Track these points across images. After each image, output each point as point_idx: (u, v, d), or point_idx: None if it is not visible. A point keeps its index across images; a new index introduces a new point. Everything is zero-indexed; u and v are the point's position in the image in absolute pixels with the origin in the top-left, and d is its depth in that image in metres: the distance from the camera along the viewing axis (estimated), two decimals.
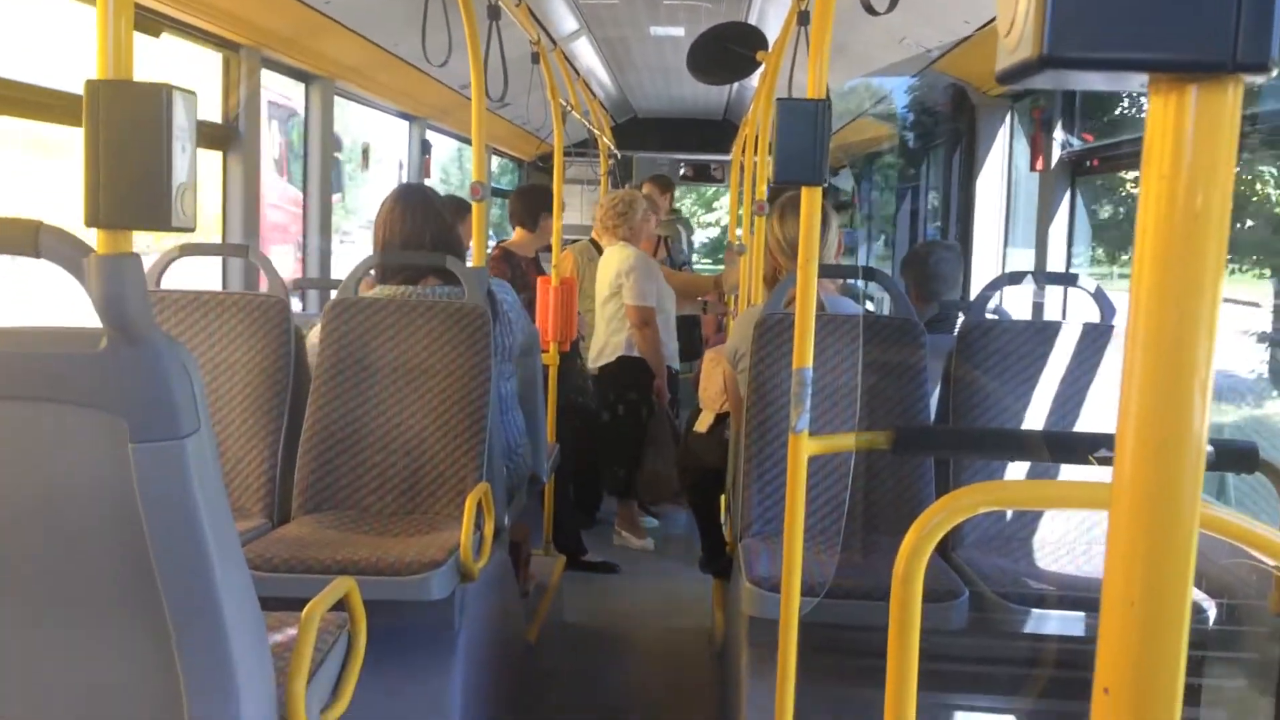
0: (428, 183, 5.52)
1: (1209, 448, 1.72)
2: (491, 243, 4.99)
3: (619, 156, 8.54)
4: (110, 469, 1.31)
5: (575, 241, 5.77)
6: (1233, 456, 2.05)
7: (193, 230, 1.23)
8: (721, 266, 8.35)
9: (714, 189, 13.44)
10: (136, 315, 1.26)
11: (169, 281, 3.01)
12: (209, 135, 3.47)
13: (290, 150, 7.22)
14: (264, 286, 3.05)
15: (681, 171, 9.68)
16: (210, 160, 3.50)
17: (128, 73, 1.19)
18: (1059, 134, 3.70)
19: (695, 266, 8.84)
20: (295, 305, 4.07)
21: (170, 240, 3.03)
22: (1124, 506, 0.55)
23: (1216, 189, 0.52)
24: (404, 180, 5.53)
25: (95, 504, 1.36)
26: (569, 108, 5.32)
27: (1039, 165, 3.74)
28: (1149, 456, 0.54)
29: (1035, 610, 2.48)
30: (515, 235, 4.91)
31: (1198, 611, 2.42)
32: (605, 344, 4.98)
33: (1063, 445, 2.35)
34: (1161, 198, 0.53)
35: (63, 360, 1.30)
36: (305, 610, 1.64)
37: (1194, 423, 0.54)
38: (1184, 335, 0.53)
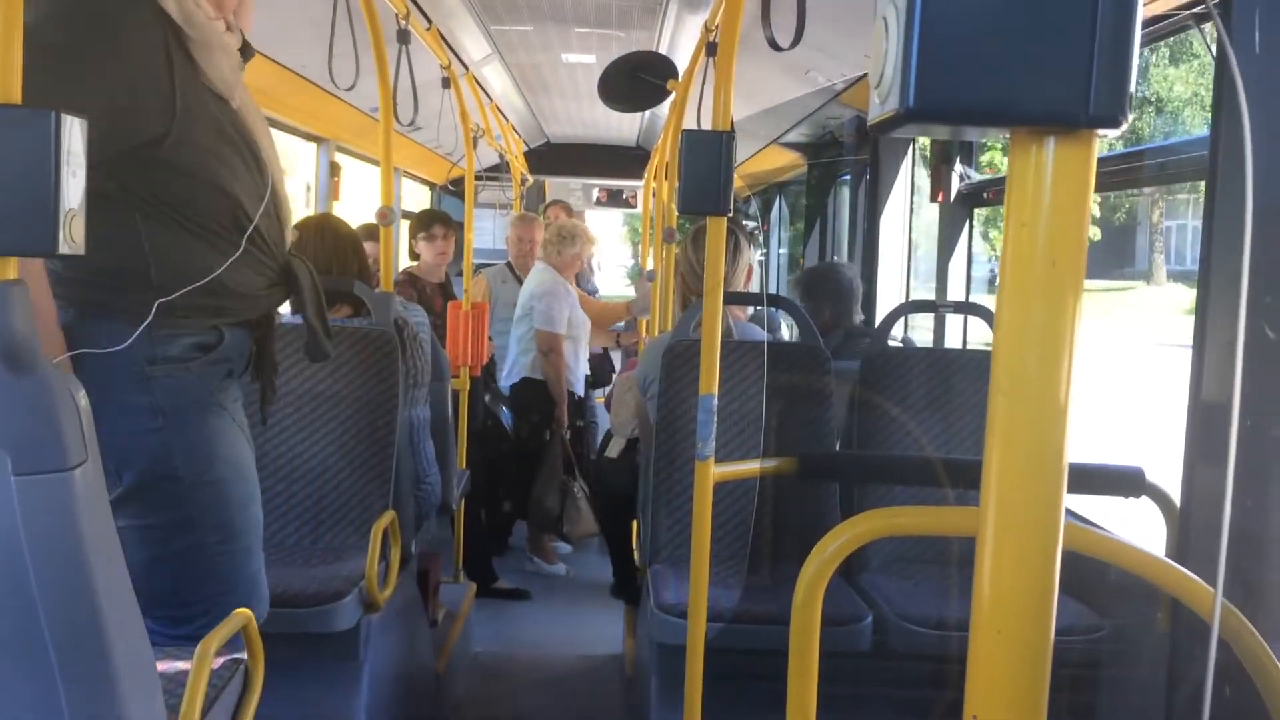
0: (337, 206, 5.45)
1: (1096, 473, 1.78)
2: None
3: (531, 181, 8.54)
4: None
5: (487, 266, 5.78)
6: (1119, 481, 2.13)
7: (82, 257, 1.19)
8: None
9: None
10: (21, 343, 1.22)
11: None
12: None
13: None
14: None
15: (595, 197, 9.71)
16: None
17: (14, 96, 1.15)
18: (958, 167, 3.81)
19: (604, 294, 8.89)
20: None
21: None
22: (990, 534, 0.57)
23: (1072, 235, 0.55)
24: (312, 203, 5.45)
25: None
26: (480, 132, 5.31)
27: (939, 196, 3.85)
28: (1014, 493, 0.56)
29: (937, 632, 2.53)
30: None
31: (1092, 630, 2.49)
32: (514, 364, 5.03)
33: (963, 471, 2.42)
34: (1021, 244, 0.55)
35: None
36: (199, 645, 1.60)
37: (1055, 454, 0.56)
38: (1045, 371, 0.55)
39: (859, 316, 3.76)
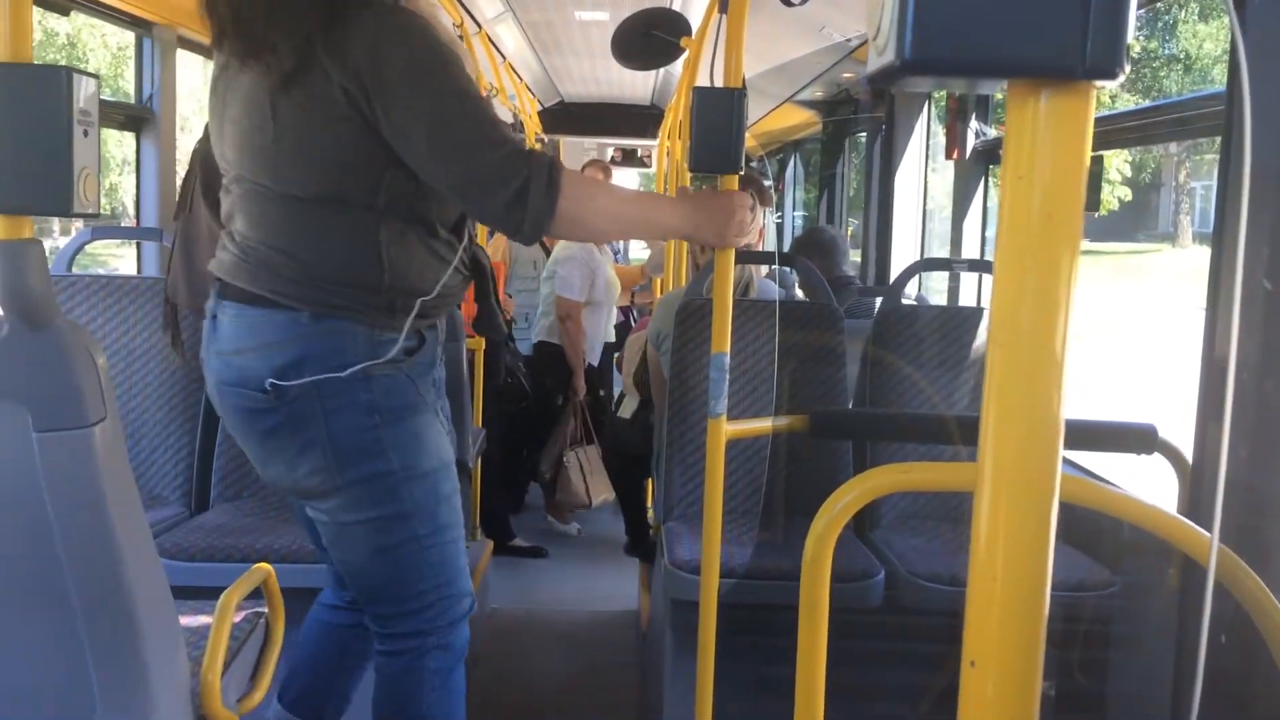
0: None
1: (1108, 430, 1.78)
2: None
3: (546, 140, 8.50)
4: (13, 459, 1.29)
5: None
6: (1131, 438, 2.13)
7: (96, 216, 1.21)
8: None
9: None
10: (39, 302, 1.24)
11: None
12: (123, 117, 3.38)
13: None
14: None
15: (610, 156, 9.68)
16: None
17: (26, 55, 1.16)
18: (973, 123, 3.77)
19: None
20: None
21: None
22: (987, 482, 0.58)
23: (1069, 189, 0.55)
24: None
25: None
26: (494, 91, 5.29)
27: (954, 154, 3.82)
28: (1011, 445, 0.57)
29: (948, 587, 2.55)
30: None
31: (1104, 586, 2.51)
32: (535, 324, 5.02)
33: (974, 428, 2.42)
34: (1019, 196, 0.56)
35: None
36: (220, 599, 1.63)
37: (1052, 409, 0.57)
38: (1042, 324, 0.56)
39: (850, 270, 3.99)
